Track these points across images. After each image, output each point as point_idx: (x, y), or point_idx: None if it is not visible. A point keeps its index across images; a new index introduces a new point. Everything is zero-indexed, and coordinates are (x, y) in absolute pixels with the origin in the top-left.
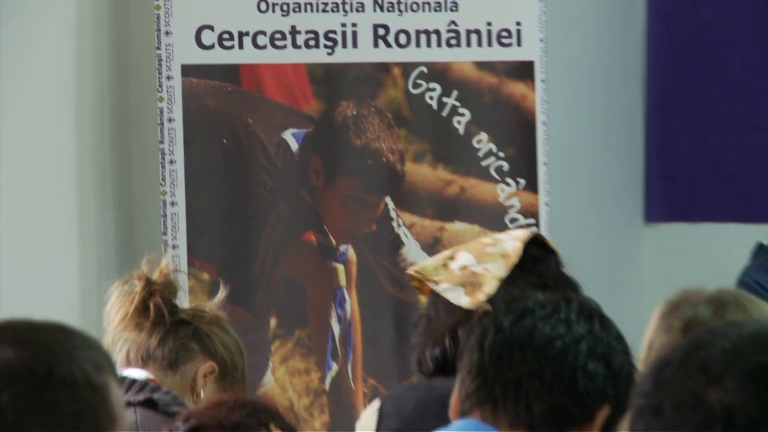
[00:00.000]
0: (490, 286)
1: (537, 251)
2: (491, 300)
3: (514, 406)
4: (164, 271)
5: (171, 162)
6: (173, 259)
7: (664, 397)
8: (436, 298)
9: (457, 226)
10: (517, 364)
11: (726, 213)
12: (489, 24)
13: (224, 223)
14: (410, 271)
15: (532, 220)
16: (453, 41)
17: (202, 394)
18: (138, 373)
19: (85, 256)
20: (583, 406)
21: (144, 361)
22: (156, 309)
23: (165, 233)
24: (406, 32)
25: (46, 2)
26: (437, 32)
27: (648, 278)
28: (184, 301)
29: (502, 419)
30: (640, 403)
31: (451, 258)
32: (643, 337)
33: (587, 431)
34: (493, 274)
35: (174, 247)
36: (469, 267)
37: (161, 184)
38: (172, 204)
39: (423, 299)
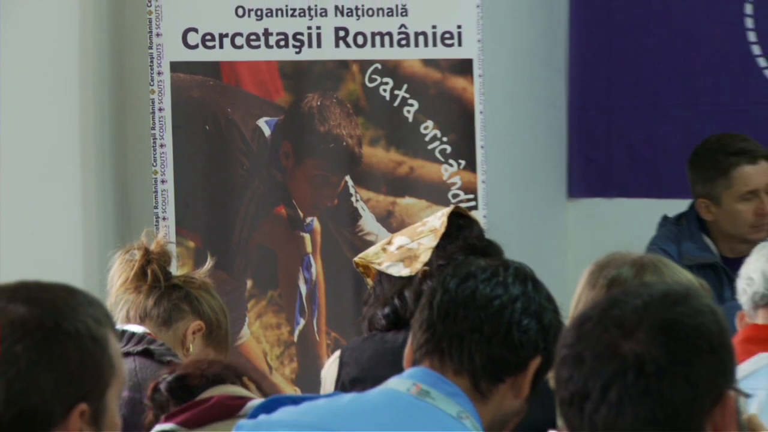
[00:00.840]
0: (425, 256)
1: (460, 221)
2: (427, 265)
3: (459, 357)
4: (160, 242)
5: (161, 146)
6: (163, 228)
7: (585, 348)
8: (380, 276)
9: (406, 201)
10: (461, 320)
11: (637, 189)
12: (434, 27)
13: (207, 197)
14: (355, 259)
15: (471, 196)
16: (403, 42)
17: (191, 349)
18: (136, 328)
19: (88, 227)
20: (517, 356)
21: (141, 319)
22: (153, 275)
23: (156, 207)
24: (363, 34)
25: (54, 10)
26: (389, 34)
27: (570, 246)
28: (173, 264)
29: (448, 367)
30: (564, 353)
31: (389, 243)
32: (565, 297)
33: (521, 379)
34: (425, 246)
35: (164, 218)
36: (405, 246)
37: (153, 165)
38: (162, 182)
39: (370, 282)
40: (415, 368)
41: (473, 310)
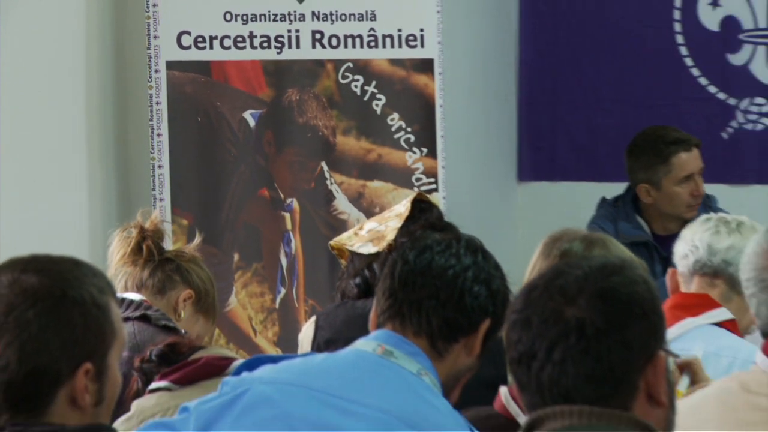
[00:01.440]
0: (391, 235)
1: (422, 205)
2: (393, 242)
3: (417, 320)
4: (154, 221)
5: (158, 135)
6: (160, 208)
7: (533, 313)
8: (353, 256)
9: (375, 184)
10: (419, 288)
11: (578, 174)
12: (399, 30)
13: (199, 181)
14: (330, 243)
15: (432, 180)
16: (372, 43)
17: (183, 315)
18: (134, 296)
19: (93, 207)
20: (469, 319)
21: (138, 289)
22: (148, 250)
23: (153, 189)
24: (337, 36)
25: (64, 15)
26: (360, 36)
27: (519, 223)
28: (168, 240)
29: (409, 330)
30: (514, 318)
31: (360, 228)
32: (515, 269)
33: (473, 339)
34: (391, 228)
35: (160, 200)
36: (374, 229)
37: (151, 152)
38: (159, 167)
39: (343, 262)
40: (379, 331)
41: (430, 278)
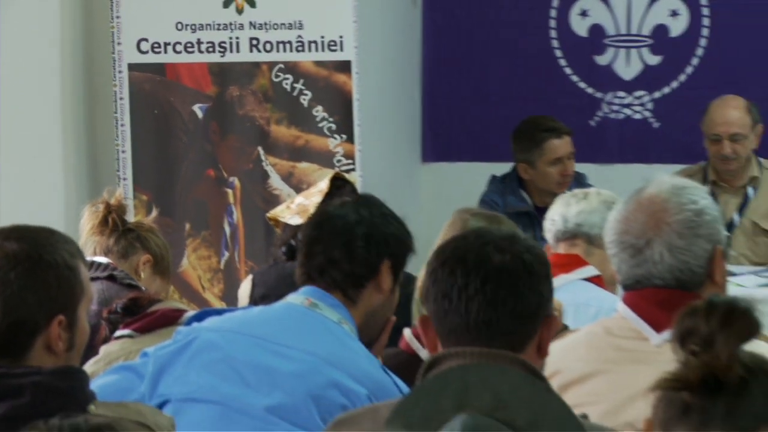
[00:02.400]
0: (312, 209)
1: (339, 182)
2: None
3: (324, 278)
4: (118, 198)
5: (122, 125)
6: (123, 186)
7: (466, 254)
8: (285, 226)
9: (303, 165)
10: (332, 238)
11: (472, 155)
12: (322, 37)
13: (156, 163)
14: (268, 215)
15: (350, 161)
16: (300, 48)
17: (143, 276)
18: (102, 259)
19: (68, 185)
20: (367, 265)
21: (105, 254)
22: (113, 221)
23: (118, 170)
24: (270, 42)
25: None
26: (290, 42)
27: (423, 197)
28: (130, 213)
29: (323, 283)
30: (446, 256)
31: (291, 202)
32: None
33: (378, 279)
34: (314, 202)
35: (123, 179)
36: (301, 203)
37: (115, 139)
38: (122, 152)
39: (278, 231)
40: (306, 287)
41: (325, 238)
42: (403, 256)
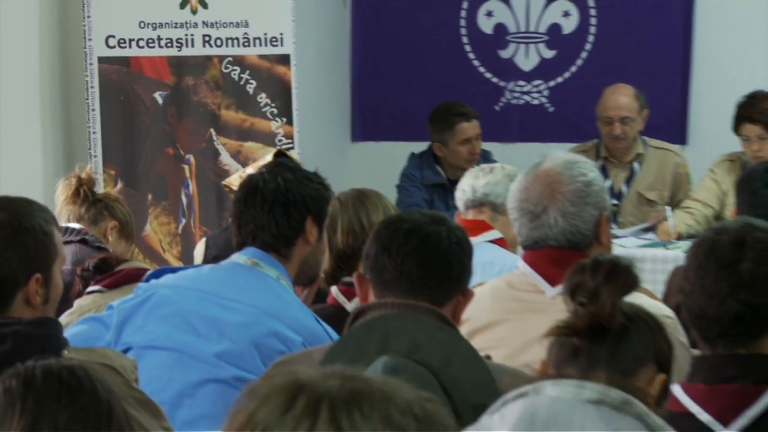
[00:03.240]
0: None
1: (280, 158)
2: None
3: (261, 239)
4: (89, 172)
5: (93, 110)
6: (94, 162)
7: (404, 223)
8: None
9: (249, 144)
10: (258, 208)
11: (394, 135)
12: (265, 34)
13: (122, 143)
14: (223, 182)
15: (290, 141)
16: (246, 44)
17: (110, 239)
18: (75, 225)
19: (46, 162)
20: (291, 225)
21: (77, 221)
22: (84, 193)
23: (90, 149)
24: (221, 39)
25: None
26: (237, 39)
27: (353, 171)
28: (100, 185)
29: (258, 243)
30: (387, 224)
31: (243, 173)
32: None
33: (305, 235)
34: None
35: (94, 156)
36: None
37: (87, 122)
38: (93, 133)
39: (232, 196)
40: (249, 248)
41: (262, 198)
42: (323, 209)
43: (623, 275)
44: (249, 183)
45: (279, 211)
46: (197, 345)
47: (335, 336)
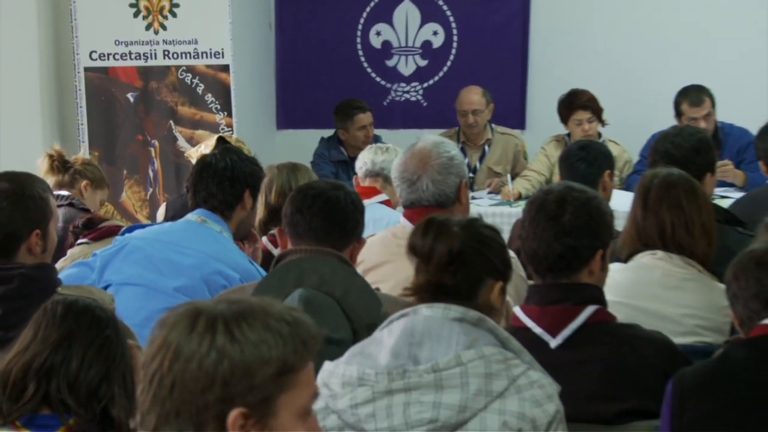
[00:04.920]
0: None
1: (223, 141)
2: None
3: (210, 203)
4: (58, 149)
5: (80, 107)
6: (82, 147)
7: (311, 188)
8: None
9: (199, 132)
10: (210, 179)
11: (311, 124)
12: (210, 49)
13: (104, 132)
14: (186, 153)
15: (230, 129)
16: (196, 56)
17: (86, 194)
18: (64, 192)
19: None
20: (234, 194)
21: (59, 187)
22: (57, 165)
23: (79, 136)
24: (177, 53)
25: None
26: (189, 53)
27: (278, 151)
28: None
29: (208, 206)
30: (302, 192)
31: (198, 148)
32: None
33: (243, 203)
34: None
35: (82, 142)
36: (202, 152)
37: (77, 116)
38: (81, 124)
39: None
40: (199, 209)
41: (205, 178)
42: (257, 184)
43: (450, 234)
44: (204, 160)
45: (225, 183)
46: (160, 281)
47: (264, 274)
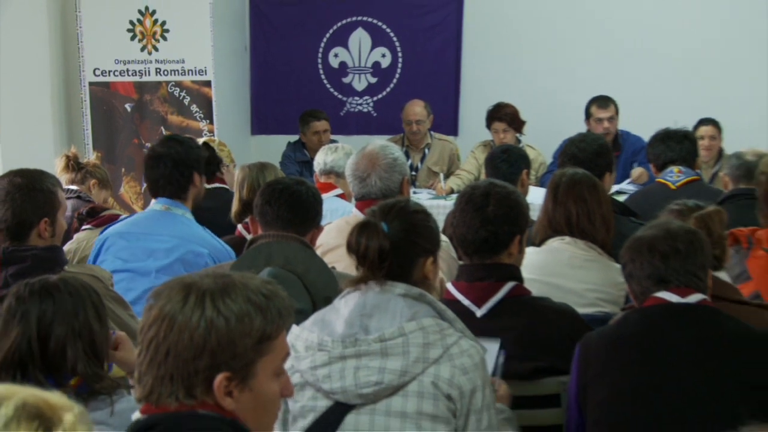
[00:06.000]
0: None
1: (207, 144)
2: None
3: (166, 189)
4: (74, 151)
5: (86, 116)
6: (87, 149)
7: (278, 183)
8: None
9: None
10: (162, 168)
11: (280, 130)
12: (196, 67)
13: (105, 136)
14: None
15: (212, 134)
16: (183, 74)
17: (93, 191)
18: (73, 187)
19: (56, 148)
20: (187, 177)
21: (71, 183)
22: (72, 164)
23: (84, 140)
24: (167, 70)
25: (38, 62)
26: (178, 70)
27: (253, 155)
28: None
29: (166, 193)
30: (268, 187)
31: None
32: None
33: (194, 183)
34: None
35: (87, 145)
36: None
37: (83, 124)
38: (86, 130)
39: None
40: (160, 198)
41: (157, 167)
42: (202, 165)
43: (379, 234)
44: (152, 154)
45: (176, 170)
46: (143, 266)
47: (228, 248)
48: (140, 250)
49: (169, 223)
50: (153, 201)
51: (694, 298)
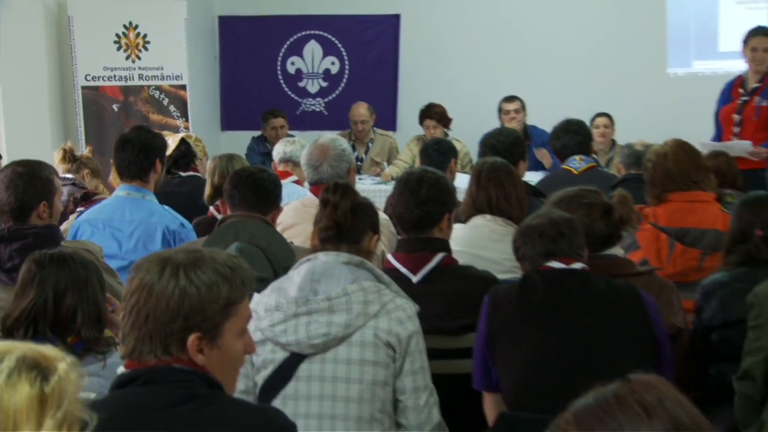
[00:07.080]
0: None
1: (184, 139)
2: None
3: (131, 171)
4: (71, 145)
5: (78, 115)
6: (80, 143)
7: (246, 170)
8: None
9: (165, 132)
10: (128, 153)
11: (246, 126)
12: (173, 73)
13: (96, 132)
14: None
15: (187, 130)
16: (162, 79)
17: (86, 180)
18: (69, 176)
19: (53, 142)
20: (150, 162)
21: (67, 172)
22: (68, 156)
23: (78, 136)
24: (149, 75)
25: (36, 69)
26: (157, 75)
27: (222, 149)
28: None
29: (131, 175)
30: (236, 174)
31: (175, 137)
32: None
33: (155, 168)
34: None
35: (80, 140)
36: (168, 144)
37: (77, 123)
38: (80, 127)
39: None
40: (123, 185)
41: (125, 152)
42: (164, 152)
43: (352, 193)
44: (122, 139)
45: (141, 155)
46: (117, 249)
47: (186, 221)
48: (107, 236)
49: (133, 206)
50: (117, 188)
51: (578, 266)
